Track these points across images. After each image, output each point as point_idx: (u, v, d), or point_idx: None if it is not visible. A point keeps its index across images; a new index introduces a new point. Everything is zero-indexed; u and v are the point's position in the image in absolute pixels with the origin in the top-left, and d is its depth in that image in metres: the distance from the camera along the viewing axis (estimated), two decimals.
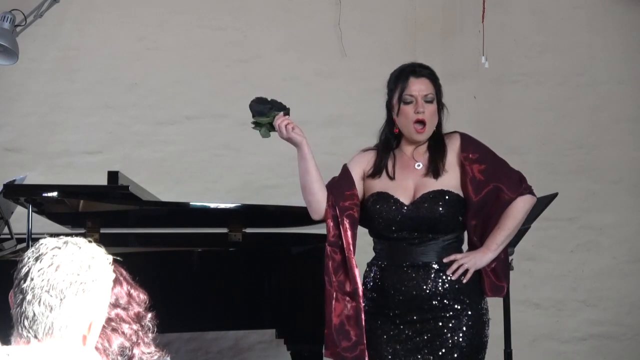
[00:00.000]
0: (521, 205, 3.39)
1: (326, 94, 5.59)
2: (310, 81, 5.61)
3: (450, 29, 5.72)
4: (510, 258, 3.55)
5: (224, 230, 4.51)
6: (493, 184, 3.37)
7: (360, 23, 5.67)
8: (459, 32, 5.70)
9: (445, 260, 3.33)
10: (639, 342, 5.69)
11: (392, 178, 3.39)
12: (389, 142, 3.45)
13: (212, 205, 4.48)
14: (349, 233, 3.35)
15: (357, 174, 3.45)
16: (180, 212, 4.48)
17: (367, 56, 5.60)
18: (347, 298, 3.34)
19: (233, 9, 5.61)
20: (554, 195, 3.85)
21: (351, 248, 3.35)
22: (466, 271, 3.33)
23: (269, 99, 3.37)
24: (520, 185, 3.40)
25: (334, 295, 3.34)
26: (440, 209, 3.31)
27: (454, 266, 3.33)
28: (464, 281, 3.33)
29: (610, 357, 5.69)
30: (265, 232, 4.55)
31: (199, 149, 5.54)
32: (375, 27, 5.68)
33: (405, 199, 3.35)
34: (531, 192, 3.42)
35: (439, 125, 3.45)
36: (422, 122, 3.37)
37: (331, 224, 3.38)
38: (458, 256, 3.35)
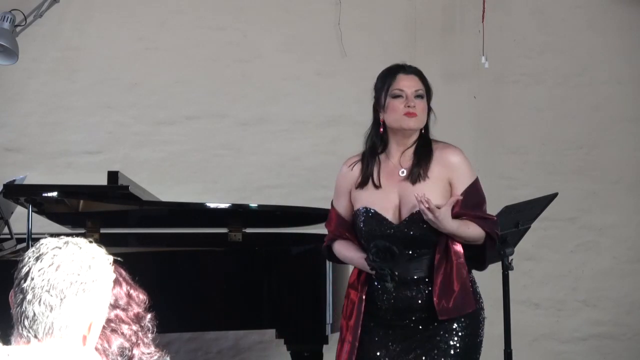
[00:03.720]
0: (478, 232, 3.30)
1: (326, 94, 5.59)
2: (310, 81, 5.61)
3: (450, 29, 5.71)
4: (510, 258, 3.55)
5: (224, 230, 4.51)
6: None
7: (360, 23, 5.66)
8: (459, 32, 5.69)
9: (419, 198, 3.20)
10: (639, 342, 5.68)
11: (377, 187, 3.35)
12: (375, 146, 3.40)
13: (212, 205, 4.48)
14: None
15: (347, 211, 3.43)
16: (180, 212, 4.48)
17: (367, 56, 5.59)
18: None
19: (233, 9, 5.60)
20: (554, 195, 3.84)
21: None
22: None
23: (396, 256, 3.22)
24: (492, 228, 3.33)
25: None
26: (425, 226, 3.28)
27: (426, 208, 3.19)
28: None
29: (610, 357, 5.68)
30: (265, 232, 4.55)
31: (199, 149, 5.54)
32: (375, 27, 5.67)
33: (393, 217, 3.32)
34: (493, 240, 3.33)
35: (427, 129, 3.42)
36: (412, 115, 3.32)
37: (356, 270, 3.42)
38: (436, 208, 3.23)
